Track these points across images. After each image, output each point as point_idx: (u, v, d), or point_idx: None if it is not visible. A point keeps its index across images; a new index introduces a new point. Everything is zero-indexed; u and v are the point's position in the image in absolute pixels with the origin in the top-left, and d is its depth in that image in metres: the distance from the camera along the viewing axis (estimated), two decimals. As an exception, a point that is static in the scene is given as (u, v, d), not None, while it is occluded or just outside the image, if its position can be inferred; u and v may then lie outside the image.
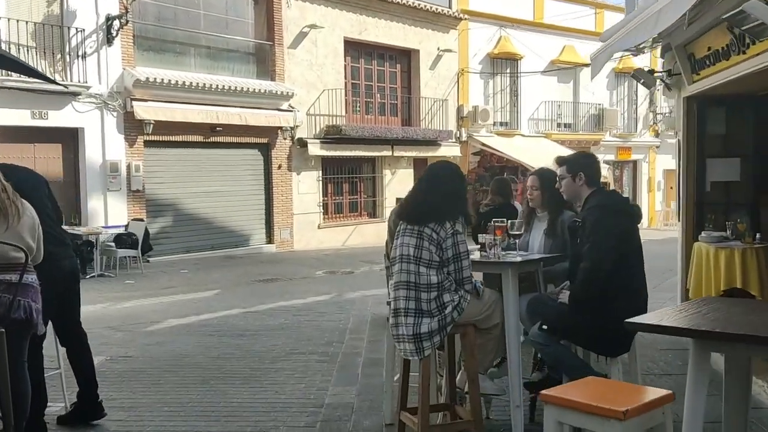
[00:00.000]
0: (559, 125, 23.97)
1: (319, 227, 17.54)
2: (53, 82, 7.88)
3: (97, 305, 9.54)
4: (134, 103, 13.42)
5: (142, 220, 13.28)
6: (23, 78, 11.75)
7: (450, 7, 20.33)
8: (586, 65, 24.38)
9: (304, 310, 9.08)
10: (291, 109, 16.47)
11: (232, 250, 15.60)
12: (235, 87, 14.97)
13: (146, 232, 13.06)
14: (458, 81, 20.87)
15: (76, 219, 12.82)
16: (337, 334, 7.47)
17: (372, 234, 18.72)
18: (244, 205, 15.97)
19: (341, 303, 9.69)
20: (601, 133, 25.03)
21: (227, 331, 7.69)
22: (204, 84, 14.37)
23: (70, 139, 13.05)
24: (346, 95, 18.00)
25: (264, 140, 16.16)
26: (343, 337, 7.32)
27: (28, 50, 11.99)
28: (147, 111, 13.59)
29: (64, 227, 4.94)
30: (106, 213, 13.35)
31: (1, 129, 11.85)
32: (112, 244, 12.70)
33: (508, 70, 22.27)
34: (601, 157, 24.39)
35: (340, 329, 7.74)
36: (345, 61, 18.09)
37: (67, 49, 12.56)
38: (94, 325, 8.07)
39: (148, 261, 13.85)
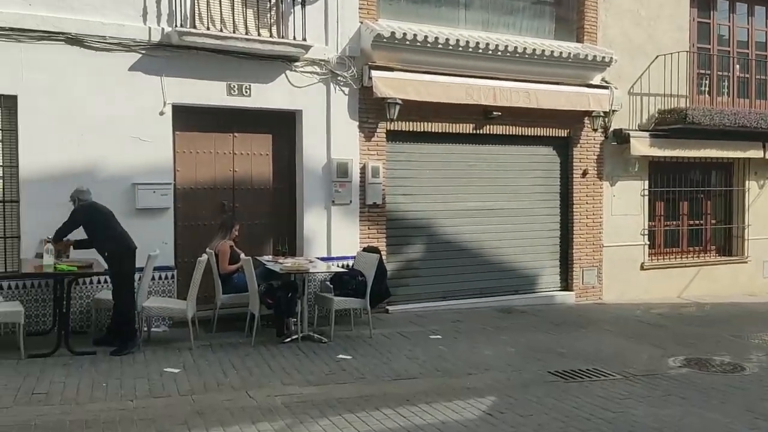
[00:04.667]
0: None
1: (642, 268, 11.36)
2: None
3: (259, 426, 4.87)
4: (373, 73, 8.88)
5: (375, 250, 8.62)
6: (214, 31, 7.90)
7: None
8: None
9: None
10: (606, 84, 10.68)
11: (510, 298, 10.26)
12: (523, 50, 9.71)
13: (382, 269, 8.38)
14: None
15: (284, 246, 8.62)
16: None
17: (726, 281, 12.00)
18: (529, 230, 10.54)
19: None
20: None
21: None
22: (477, 45, 9.36)
23: (282, 126, 8.94)
24: (690, 66, 11.62)
25: (563, 132, 10.60)
26: None
27: (224, -7, 8.14)
28: (392, 85, 8.96)
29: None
30: (329, 238, 8.96)
31: (183, 109, 8.11)
32: (330, 286, 8.22)
33: None
34: None
35: None
36: (690, 13, 11.76)
37: (281, -6, 8.49)
38: None
39: (386, 311, 9.19)
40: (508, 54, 9.63)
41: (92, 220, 6.84)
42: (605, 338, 8.36)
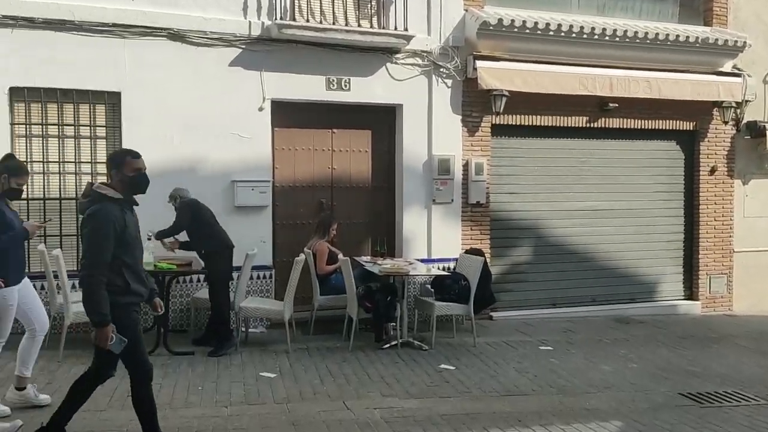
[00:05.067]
0: None
1: (779, 276, 10.18)
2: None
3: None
4: (478, 63, 8.34)
5: (479, 252, 8.07)
6: (313, 23, 7.64)
7: None
8: None
9: None
10: (738, 72, 9.60)
11: (626, 306, 9.42)
12: (644, 35, 8.85)
13: (486, 273, 7.82)
14: None
15: (383, 247, 8.23)
16: None
17: None
18: (649, 233, 9.65)
19: None
20: None
21: None
22: (593, 31, 8.61)
23: (382, 121, 8.57)
24: (837, 48, 10.28)
25: (688, 125, 9.64)
26: None
27: (323, -16, 7.86)
28: (498, 76, 8.38)
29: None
30: (430, 239, 8.49)
31: (282, 105, 7.89)
32: (431, 290, 7.76)
33: None
34: None
35: None
36: (836, -10, 10.41)
37: (382, -18, 8.11)
38: None
39: (490, 318, 8.64)
40: (627, 40, 8.81)
41: (195, 218, 6.74)
42: (742, 356, 7.41)
